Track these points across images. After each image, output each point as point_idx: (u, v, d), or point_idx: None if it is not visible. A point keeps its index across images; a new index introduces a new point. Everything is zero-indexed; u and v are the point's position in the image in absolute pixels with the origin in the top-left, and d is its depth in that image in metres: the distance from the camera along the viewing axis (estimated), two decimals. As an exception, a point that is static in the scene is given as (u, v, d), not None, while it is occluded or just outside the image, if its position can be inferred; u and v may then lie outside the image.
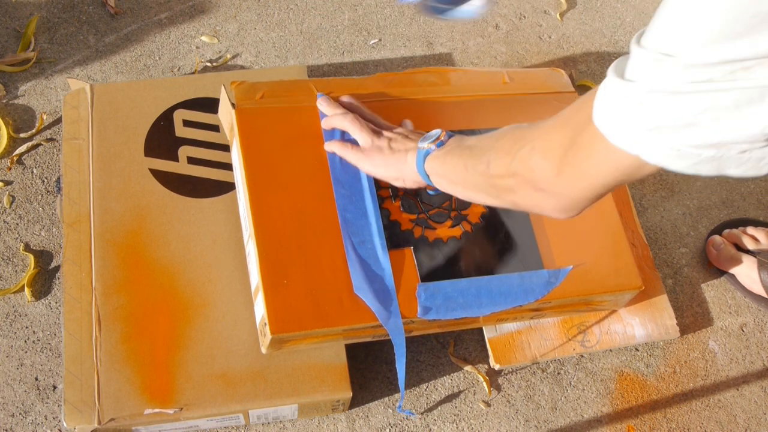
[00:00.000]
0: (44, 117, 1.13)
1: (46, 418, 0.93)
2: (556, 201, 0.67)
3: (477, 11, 0.94)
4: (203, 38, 1.24)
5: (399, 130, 0.90)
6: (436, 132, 0.83)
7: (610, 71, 0.56)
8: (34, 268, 1.01)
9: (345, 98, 0.95)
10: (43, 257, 1.03)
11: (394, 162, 0.86)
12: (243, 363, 0.89)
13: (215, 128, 1.04)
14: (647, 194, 1.19)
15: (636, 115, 0.53)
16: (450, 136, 0.83)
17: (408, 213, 0.91)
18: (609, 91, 0.56)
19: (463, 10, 0.93)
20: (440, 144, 0.82)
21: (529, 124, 0.71)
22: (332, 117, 0.92)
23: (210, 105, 1.04)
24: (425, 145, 0.82)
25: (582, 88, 1.27)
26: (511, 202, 0.73)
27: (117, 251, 0.93)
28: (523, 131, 0.70)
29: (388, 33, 1.29)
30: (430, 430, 0.98)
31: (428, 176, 0.83)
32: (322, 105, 0.94)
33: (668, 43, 0.50)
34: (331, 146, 0.91)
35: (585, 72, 1.31)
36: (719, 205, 1.19)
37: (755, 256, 1.08)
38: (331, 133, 0.92)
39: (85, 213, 0.95)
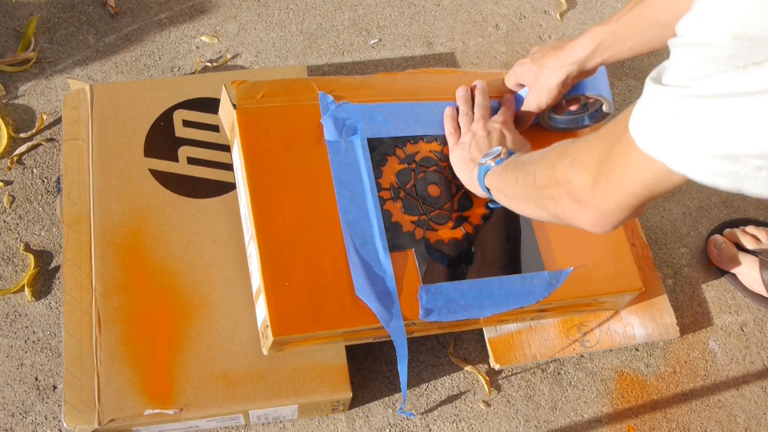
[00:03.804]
0: (44, 117, 1.13)
1: (46, 418, 0.93)
2: (592, 213, 0.66)
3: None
4: (203, 38, 1.24)
5: (481, 126, 0.94)
6: (497, 149, 0.85)
7: (650, 76, 0.55)
8: (34, 268, 1.01)
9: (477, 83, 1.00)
10: (43, 257, 1.03)
11: (464, 169, 0.92)
12: (243, 363, 0.89)
13: (215, 128, 1.03)
14: (647, 194, 1.19)
15: (663, 119, 0.52)
16: (510, 154, 0.85)
17: (409, 214, 0.91)
18: (645, 97, 0.55)
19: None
20: (500, 161, 0.84)
21: (576, 139, 0.72)
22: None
23: (210, 105, 1.04)
24: (487, 161, 0.85)
25: (582, 88, 1.27)
26: (554, 215, 0.72)
27: (117, 252, 0.93)
28: (568, 145, 0.71)
29: (388, 33, 1.29)
30: (430, 430, 0.98)
31: (488, 190, 0.85)
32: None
33: (697, 37, 0.50)
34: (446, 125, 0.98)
35: (585, 72, 1.30)
36: (719, 204, 1.19)
37: (756, 256, 1.08)
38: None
39: (85, 213, 0.95)
